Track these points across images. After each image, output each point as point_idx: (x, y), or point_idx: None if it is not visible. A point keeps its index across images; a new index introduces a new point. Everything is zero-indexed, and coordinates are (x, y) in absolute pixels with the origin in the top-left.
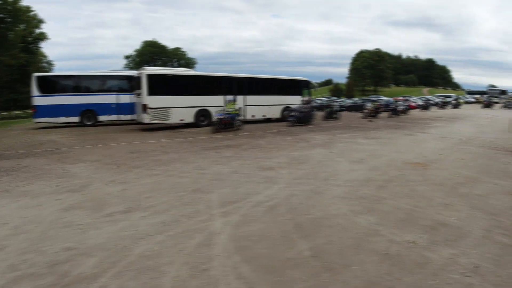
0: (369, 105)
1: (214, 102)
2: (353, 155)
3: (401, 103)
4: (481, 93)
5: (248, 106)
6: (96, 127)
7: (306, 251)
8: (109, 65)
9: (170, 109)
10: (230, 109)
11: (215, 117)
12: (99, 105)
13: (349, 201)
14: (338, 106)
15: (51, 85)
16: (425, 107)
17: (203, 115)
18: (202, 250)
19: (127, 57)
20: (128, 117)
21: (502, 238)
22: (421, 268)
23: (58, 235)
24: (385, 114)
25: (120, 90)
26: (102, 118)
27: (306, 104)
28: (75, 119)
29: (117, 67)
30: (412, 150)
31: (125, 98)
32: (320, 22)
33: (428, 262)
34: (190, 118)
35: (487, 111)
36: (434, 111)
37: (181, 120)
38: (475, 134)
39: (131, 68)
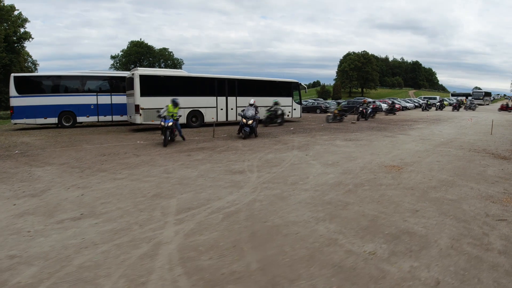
0: (333, 108)
1: (206, 103)
2: (328, 157)
3: (370, 105)
4: (466, 95)
5: (239, 107)
6: (75, 129)
7: (254, 263)
8: (95, 65)
9: (162, 109)
10: (171, 114)
11: (163, 123)
12: (78, 106)
13: (313, 207)
14: (281, 110)
15: (29, 85)
16: (391, 110)
17: (194, 116)
18: (144, 262)
19: (113, 57)
20: (108, 118)
21: (470, 249)
22: (375, 283)
23: (5, 242)
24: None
25: (100, 91)
26: (81, 119)
27: (255, 110)
28: (53, 120)
29: (103, 67)
30: (389, 152)
31: (105, 99)
32: (307, 24)
33: (385, 276)
34: (182, 119)
35: (469, 112)
36: (418, 113)
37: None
38: (456, 136)
39: (117, 68)
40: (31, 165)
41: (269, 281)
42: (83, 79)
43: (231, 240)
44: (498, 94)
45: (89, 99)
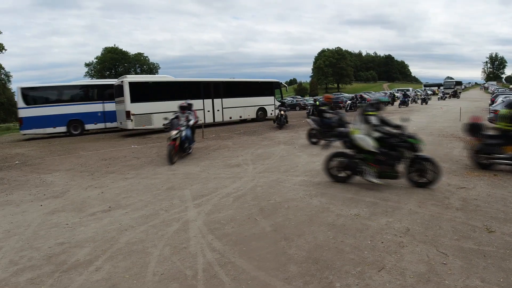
0: None
1: (193, 106)
2: (314, 150)
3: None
4: (438, 85)
5: (225, 109)
6: (65, 138)
7: (268, 227)
8: (66, 73)
9: (152, 114)
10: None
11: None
12: (85, 114)
13: (305, 187)
14: None
15: (36, 96)
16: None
17: None
18: (180, 234)
19: (87, 64)
20: (114, 124)
21: (433, 208)
22: (361, 232)
23: (48, 234)
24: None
25: (106, 99)
26: (89, 127)
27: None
28: (62, 129)
29: (76, 76)
30: None
31: (110, 106)
32: (278, 23)
33: (368, 228)
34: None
35: (441, 102)
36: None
37: (163, 124)
38: (427, 123)
39: (92, 76)
40: (38, 172)
41: (282, 237)
42: (88, 88)
43: (244, 214)
44: (470, 83)
45: (95, 107)
